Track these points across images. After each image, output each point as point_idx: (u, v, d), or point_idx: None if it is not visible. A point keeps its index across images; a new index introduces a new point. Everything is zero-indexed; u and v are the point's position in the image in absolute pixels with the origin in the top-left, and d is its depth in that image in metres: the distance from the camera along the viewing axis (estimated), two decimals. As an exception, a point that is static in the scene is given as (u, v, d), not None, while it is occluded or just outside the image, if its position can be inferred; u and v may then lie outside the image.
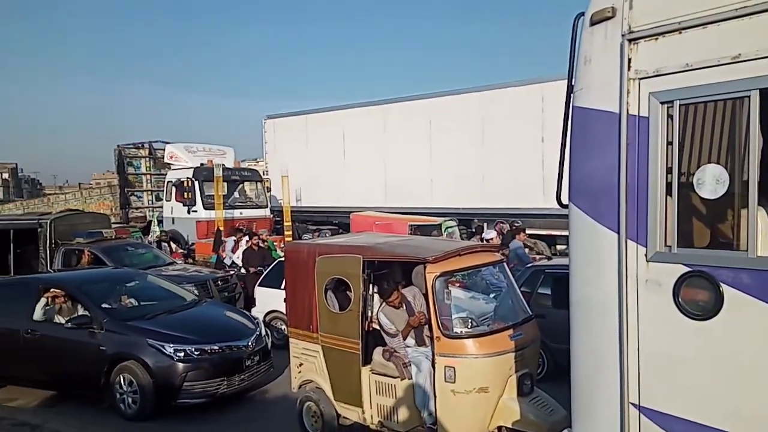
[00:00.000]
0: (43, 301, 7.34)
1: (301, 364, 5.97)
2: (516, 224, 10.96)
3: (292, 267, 6.22)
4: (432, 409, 4.95)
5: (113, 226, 15.01)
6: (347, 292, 5.65)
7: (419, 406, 5.11)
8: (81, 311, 7.24)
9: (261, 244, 12.12)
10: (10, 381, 7.62)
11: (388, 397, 5.26)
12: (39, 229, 11.82)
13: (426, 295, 5.06)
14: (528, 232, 11.48)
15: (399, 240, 6.30)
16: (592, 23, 2.82)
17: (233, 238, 13.33)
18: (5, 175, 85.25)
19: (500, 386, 4.81)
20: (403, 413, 5.17)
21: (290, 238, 16.31)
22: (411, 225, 11.89)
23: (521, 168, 14.41)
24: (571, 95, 2.97)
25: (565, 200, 3.01)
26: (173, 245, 14.21)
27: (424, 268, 4.95)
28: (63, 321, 7.18)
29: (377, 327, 5.89)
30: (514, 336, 4.94)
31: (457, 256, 5.17)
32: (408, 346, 5.25)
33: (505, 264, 5.66)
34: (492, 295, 5.69)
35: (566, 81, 3.04)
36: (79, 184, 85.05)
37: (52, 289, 7.48)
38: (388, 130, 17.50)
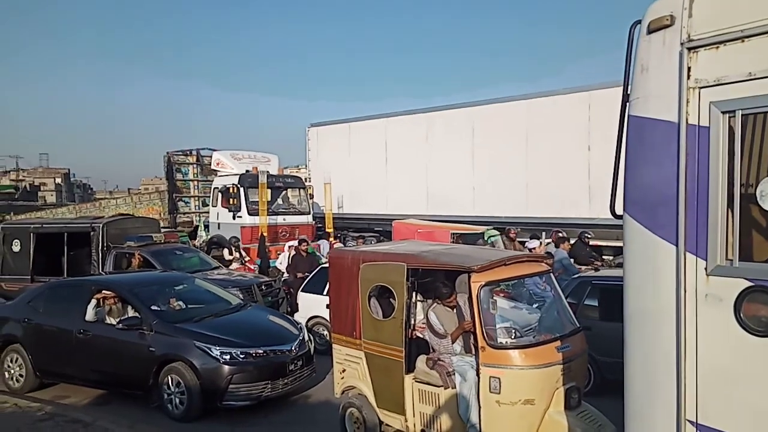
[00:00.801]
0: (94, 302, 7.57)
1: (344, 370, 6.00)
2: (560, 234, 10.78)
3: (335, 273, 6.27)
4: (476, 419, 4.90)
5: (162, 230, 15.38)
6: (390, 300, 5.67)
7: (463, 416, 5.07)
8: (131, 313, 7.45)
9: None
10: (63, 379, 7.85)
11: (431, 405, 5.23)
12: (92, 233, 12.10)
13: (471, 305, 5.04)
14: (572, 242, 11.26)
15: (443, 248, 6.29)
16: (650, 31, 2.76)
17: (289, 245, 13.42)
18: (58, 180, 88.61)
19: (547, 399, 4.73)
20: (446, 423, 5.14)
21: (338, 244, 16.48)
22: (453, 233, 11.84)
23: (566, 177, 14.20)
24: (627, 104, 2.92)
25: (619, 211, 2.96)
26: (235, 252, 14.44)
27: (469, 277, 4.92)
28: (114, 322, 7.39)
29: (420, 335, 5.91)
30: (562, 348, 4.86)
31: (503, 266, 5.13)
32: (454, 354, 5.23)
33: (551, 275, 5.57)
34: (537, 306, 5.61)
35: (615, 89, 3.00)
36: (129, 189, 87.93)
37: (103, 291, 7.72)
38: (431, 137, 17.50)
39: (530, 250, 10.00)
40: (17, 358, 7.88)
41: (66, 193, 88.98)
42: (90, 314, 7.50)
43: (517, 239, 12.88)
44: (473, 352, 5.06)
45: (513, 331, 5.25)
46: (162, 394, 6.87)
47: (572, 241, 11.20)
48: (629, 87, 2.93)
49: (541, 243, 11.06)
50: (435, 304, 5.42)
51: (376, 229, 18.46)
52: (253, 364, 6.83)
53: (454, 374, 5.20)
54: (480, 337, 4.78)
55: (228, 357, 6.73)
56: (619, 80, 3.13)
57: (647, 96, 2.77)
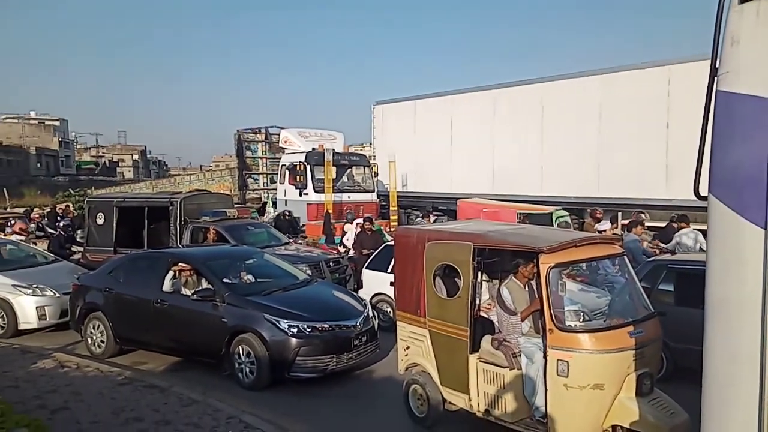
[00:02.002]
0: (171, 273, 7.90)
1: (408, 348, 6.04)
2: (641, 214, 10.28)
3: (401, 251, 6.29)
4: (542, 402, 4.84)
5: (234, 206, 15.86)
6: (456, 279, 5.64)
7: (528, 398, 5.02)
8: (205, 285, 7.73)
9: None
10: (141, 346, 8.25)
11: (495, 386, 5.20)
12: (170, 207, 12.50)
13: (538, 286, 4.95)
14: (647, 224, 10.81)
15: (511, 228, 6.18)
16: (742, 1, 2.57)
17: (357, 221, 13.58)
18: (135, 157, 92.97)
19: (617, 384, 4.60)
20: (511, 404, 5.10)
21: (396, 223, 16.55)
22: (519, 213, 11.60)
23: (642, 155, 13.64)
24: (715, 79, 2.74)
25: (703, 192, 2.80)
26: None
27: (538, 258, 4.82)
28: (189, 293, 7.69)
29: (485, 315, 5.87)
30: (634, 333, 4.70)
31: (573, 247, 4.99)
32: (521, 333, 5.16)
33: (625, 257, 5.38)
34: (609, 290, 5.44)
35: (697, 63, 2.81)
36: (201, 166, 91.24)
37: (180, 263, 8.05)
38: (497, 115, 17.15)
39: (599, 232, 9.68)
40: (99, 325, 8.33)
41: (143, 169, 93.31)
42: (167, 285, 7.84)
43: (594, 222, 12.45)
44: (541, 333, 4.97)
45: (582, 314, 5.11)
46: (233, 363, 7.13)
47: (662, 225, 10.72)
48: (717, 60, 2.74)
49: (613, 225, 10.68)
50: (509, 279, 5.34)
51: (440, 207, 18.39)
52: (319, 337, 6.99)
53: (519, 355, 5.14)
54: (548, 319, 4.69)
55: (295, 330, 6.90)
56: (700, 53, 2.95)
57: (738, 70, 2.59)
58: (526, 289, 5.21)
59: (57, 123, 75.10)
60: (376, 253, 10.08)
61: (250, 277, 8.20)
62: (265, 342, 6.88)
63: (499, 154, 17.08)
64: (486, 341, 5.34)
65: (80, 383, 6.85)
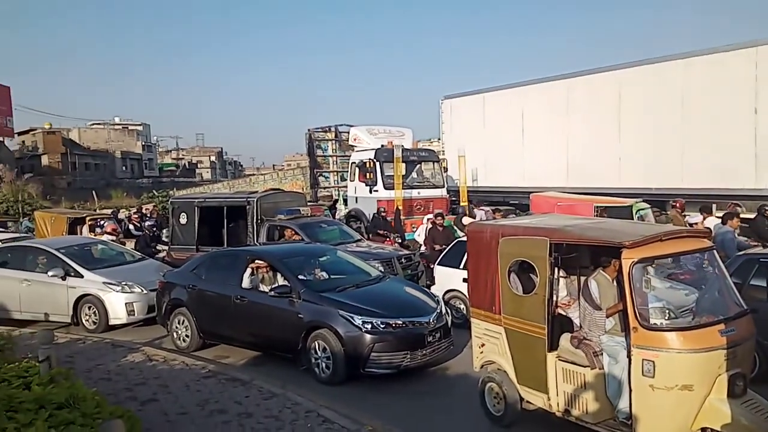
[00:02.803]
0: (249, 270, 8.15)
1: (483, 345, 5.96)
2: (738, 206, 9.70)
3: (474, 247, 6.20)
4: (626, 403, 4.66)
5: (307, 204, 16.18)
6: (531, 275, 5.52)
7: (611, 399, 4.85)
8: (281, 281, 7.94)
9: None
10: (223, 340, 8.56)
11: (576, 386, 5.05)
12: (247, 206, 12.88)
13: (621, 283, 4.76)
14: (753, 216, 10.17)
15: (589, 222, 5.98)
16: None
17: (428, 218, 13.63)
18: (212, 158, 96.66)
19: (707, 385, 4.37)
20: (592, 404, 4.94)
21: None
22: (597, 206, 11.21)
23: (728, 143, 12.87)
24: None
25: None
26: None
27: (621, 253, 4.63)
28: (266, 289, 7.92)
29: (563, 312, 5.72)
30: (726, 332, 4.44)
31: (658, 242, 4.76)
32: (604, 330, 4.97)
33: (714, 252, 5.08)
34: (697, 286, 5.17)
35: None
36: (273, 165, 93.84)
37: (257, 261, 8.29)
38: (571, 105, 16.64)
39: (690, 225, 9.18)
40: (183, 320, 8.71)
41: (219, 169, 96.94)
42: (246, 282, 8.10)
43: (680, 214, 11.88)
44: (625, 332, 4.77)
45: (668, 311, 4.88)
46: (310, 358, 7.28)
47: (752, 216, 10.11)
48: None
49: (704, 218, 10.13)
50: (597, 273, 5.16)
51: (511, 202, 18.06)
52: (392, 334, 7.02)
53: (601, 354, 4.97)
54: (632, 316, 4.51)
55: (369, 326, 6.97)
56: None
57: None
58: (615, 284, 5.00)
59: (140, 128, 79.19)
60: (448, 249, 10.02)
61: (324, 273, 8.34)
62: (340, 338, 6.99)
63: (574, 146, 16.57)
64: (565, 339, 5.19)
65: (167, 376, 7.20)
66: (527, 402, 5.56)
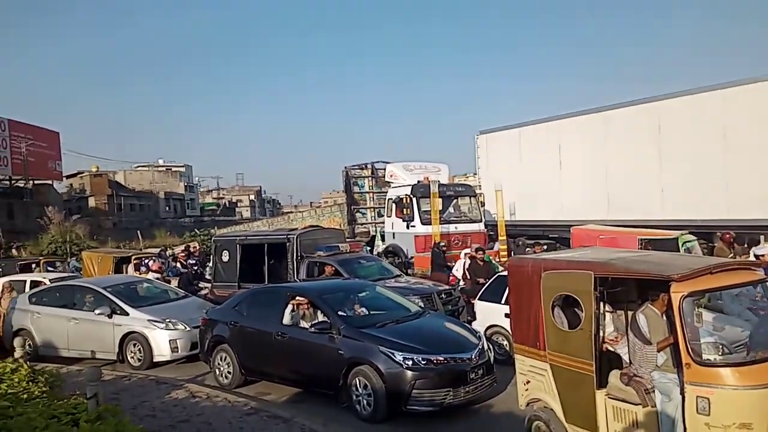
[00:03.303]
0: (290, 307, 8.21)
1: (528, 382, 5.83)
2: None
3: (515, 282, 6.13)
4: (681, 442, 4.47)
5: (346, 240, 16.27)
6: (576, 310, 5.41)
7: (665, 438, 4.66)
8: (321, 317, 7.96)
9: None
10: (264, 377, 8.56)
11: (627, 424, 4.87)
12: (287, 243, 13.05)
13: (671, 317, 4.62)
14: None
15: (635, 255, 5.86)
16: None
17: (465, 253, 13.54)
18: (252, 197, 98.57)
19: (767, 424, 4.16)
20: (645, 444, 4.75)
21: (504, 253, 16.22)
22: (641, 239, 10.95)
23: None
24: None
25: None
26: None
27: (670, 286, 4.51)
28: (307, 326, 7.95)
29: (611, 348, 5.56)
30: (786, 367, 4.25)
31: (708, 274, 4.63)
32: (656, 366, 4.80)
33: (768, 284, 4.91)
34: (751, 319, 4.98)
35: None
36: (311, 203, 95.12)
37: (297, 297, 8.34)
38: (610, 137, 16.49)
39: (756, 257, 8.82)
40: (225, 357, 8.76)
41: (258, 208, 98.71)
42: (287, 318, 8.15)
43: (736, 244, 11.50)
44: (677, 368, 4.60)
45: (721, 346, 4.72)
46: (350, 394, 7.22)
47: None
48: None
49: None
50: (645, 306, 5.03)
51: (550, 235, 17.83)
52: (434, 370, 6.92)
53: (653, 391, 4.80)
54: (684, 352, 4.36)
55: (410, 362, 6.88)
56: None
57: None
58: (664, 318, 4.86)
59: (182, 169, 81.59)
60: (488, 283, 9.91)
61: (364, 309, 8.33)
62: (381, 374, 6.92)
63: (614, 178, 16.34)
64: (614, 376, 5.04)
65: (210, 413, 7.24)
66: (576, 441, 5.38)
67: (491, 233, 18.28)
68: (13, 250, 30.46)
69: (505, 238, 16.72)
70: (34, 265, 19.14)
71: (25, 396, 4.93)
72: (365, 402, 7.07)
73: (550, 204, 18.12)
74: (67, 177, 59.48)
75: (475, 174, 24.99)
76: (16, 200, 46.55)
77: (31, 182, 48.63)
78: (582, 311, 5.20)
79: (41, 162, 48.65)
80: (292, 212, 50.94)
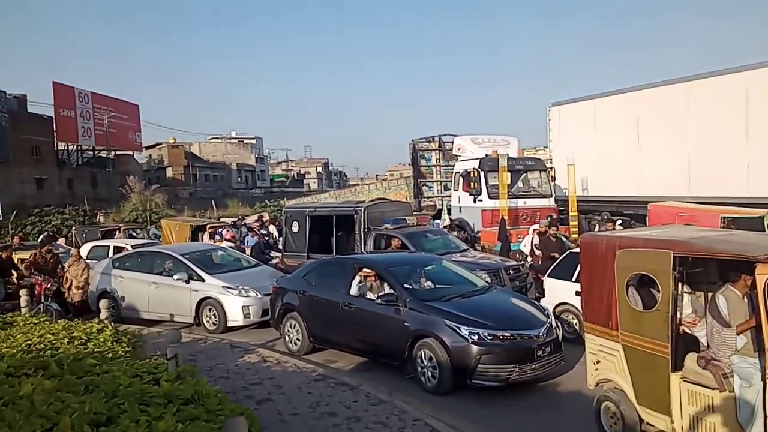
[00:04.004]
0: (357, 278, 8.35)
1: (598, 362, 5.70)
2: None
3: (588, 259, 5.96)
4: (761, 429, 4.26)
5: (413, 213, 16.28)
6: (652, 290, 5.21)
7: (743, 425, 4.44)
8: (387, 289, 8.04)
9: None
10: (331, 345, 8.78)
11: (703, 409, 4.69)
12: (355, 216, 13.20)
13: (753, 299, 4.37)
14: None
15: (717, 234, 5.57)
16: None
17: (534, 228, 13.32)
18: (319, 169, 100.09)
19: None
20: (721, 429, 4.56)
21: (575, 229, 15.79)
22: (723, 217, 10.38)
23: None
24: None
25: None
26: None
27: (755, 268, 4.26)
28: (373, 297, 8.05)
29: (688, 331, 5.35)
30: None
31: (799, 256, 4.32)
32: (734, 349, 4.58)
33: None
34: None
35: None
36: (377, 175, 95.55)
37: (364, 269, 8.47)
38: (693, 109, 15.55)
39: None
40: (295, 324, 9.04)
41: (325, 180, 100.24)
42: (354, 289, 8.29)
43: None
44: (758, 352, 4.37)
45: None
46: (415, 366, 7.29)
47: None
48: None
49: None
50: (726, 288, 4.79)
51: (625, 212, 17.16)
52: (500, 346, 6.88)
53: (731, 376, 4.59)
54: (767, 337, 4.12)
55: (476, 337, 6.87)
56: None
57: None
58: (746, 300, 4.61)
59: (253, 141, 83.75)
60: (558, 260, 9.68)
61: (430, 283, 8.36)
62: (446, 348, 6.94)
63: (696, 153, 15.46)
64: (691, 359, 4.84)
65: (280, 377, 7.51)
66: (647, 424, 5.23)
67: (562, 209, 17.82)
68: (100, 217, 32.32)
69: (576, 213, 16.27)
70: (117, 232, 20.24)
71: (110, 355, 5.20)
72: (430, 374, 7.13)
73: (626, 179, 17.39)
74: (147, 148, 62.36)
75: (546, 147, 24.32)
76: (99, 170, 49.35)
77: (113, 153, 51.26)
78: (659, 291, 5.01)
79: (122, 133, 51.20)
80: (358, 185, 51.34)
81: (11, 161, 37.77)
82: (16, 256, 12.82)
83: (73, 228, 24.04)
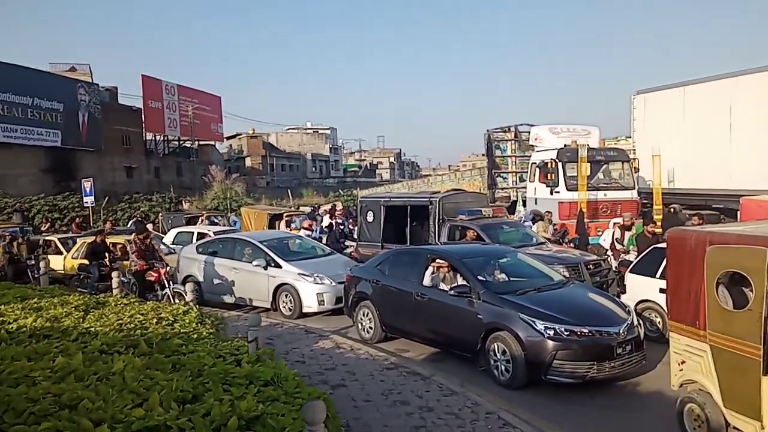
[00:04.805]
0: (430, 269, 8.33)
1: (683, 362, 5.44)
2: None
3: (675, 256, 5.67)
4: None
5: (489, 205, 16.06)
6: (744, 288, 4.91)
7: None
8: (461, 281, 7.99)
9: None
10: (403, 334, 8.83)
11: (799, 417, 4.39)
12: (429, 206, 13.19)
13: None
14: None
15: (821, 231, 5.15)
16: None
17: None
18: (391, 159, 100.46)
19: None
20: (820, 440, 4.26)
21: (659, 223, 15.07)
22: (826, 213, 9.63)
23: None
24: None
25: None
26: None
27: None
28: (446, 288, 8.02)
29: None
30: None
31: None
32: None
33: None
34: None
35: None
36: (449, 166, 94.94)
37: (438, 260, 8.44)
38: (792, 97, 14.45)
39: None
40: (368, 313, 9.16)
41: (398, 170, 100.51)
42: (427, 280, 8.28)
43: None
44: None
45: None
46: (488, 359, 7.22)
47: None
48: None
49: None
50: None
51: (714, 206, 16.23)
52: (577, 342, 6.69)
53: (833, 384, 4.27)
54: None
55: (552, 332, 6.71)
56: None
57: None
58: None
59: (328, 131, 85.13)
60: (642, 255, 9.26)
61: (504, 275, 8.23)
62: (520, 342, 6.83)
63: (796, 144, 14.38)
64: (786, 363, 4.53)
65: (354, 364, 7.64)
66: (734, 428, 4.96)
67: (645, 201, 17.06)
68: (185, 204, 33.91)
69: (661, 207, 15.53)
70: (200, 219, 21.19)
71: (195, 336, 5.41)
72: (503, 368, 7.04)
73: (716, 171, 16.40)
74: (227, 138, 64.68)
75: (628, 137, 23.31)
76: (183, 159, 51.68)
77: (196, 143, 53.51)
78: (751, 290, 4.71)
79: (205, 124, 53.31)
80: (430, 175, 51.19)
81: (103, 150, 40.18)
82: (108, 240, 13.66)
83: (160, 214, 25.34)
